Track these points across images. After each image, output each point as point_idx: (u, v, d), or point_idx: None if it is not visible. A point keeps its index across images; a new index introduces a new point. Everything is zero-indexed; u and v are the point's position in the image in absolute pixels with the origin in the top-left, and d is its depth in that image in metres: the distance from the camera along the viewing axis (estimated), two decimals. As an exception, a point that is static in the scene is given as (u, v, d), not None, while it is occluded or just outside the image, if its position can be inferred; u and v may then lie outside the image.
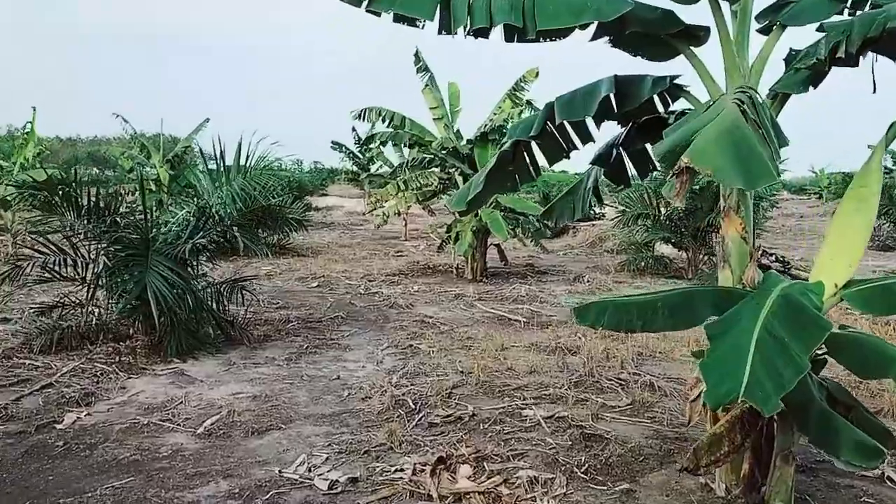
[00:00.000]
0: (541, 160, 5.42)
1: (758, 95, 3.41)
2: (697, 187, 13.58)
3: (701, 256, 14.06)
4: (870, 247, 21.19)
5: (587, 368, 6.79)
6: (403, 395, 6.13)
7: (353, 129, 30.30)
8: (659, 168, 5.72)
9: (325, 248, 19.36)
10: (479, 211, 13.20)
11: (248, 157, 8.48)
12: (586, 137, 5.13)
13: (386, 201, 24.35)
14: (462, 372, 6.86)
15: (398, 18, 4.26)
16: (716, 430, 3.98)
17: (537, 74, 13.75)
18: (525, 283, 13.13)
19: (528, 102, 13.70)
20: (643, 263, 14.40)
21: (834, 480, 4.57)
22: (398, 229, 25.41)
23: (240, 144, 8.48)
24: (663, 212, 14.11)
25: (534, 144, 5.27)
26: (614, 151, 5.09)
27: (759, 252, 13.18)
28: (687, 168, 2.74)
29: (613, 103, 4.66)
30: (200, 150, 8.38)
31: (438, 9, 4.10)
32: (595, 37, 4.38)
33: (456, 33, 4.13)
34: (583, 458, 4.72)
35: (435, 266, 15.30)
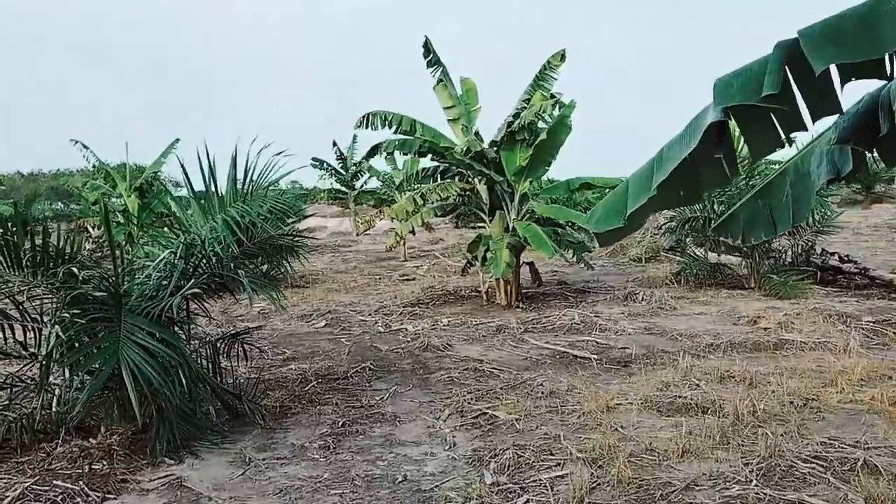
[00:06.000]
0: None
1: None
2: (759, 181, 11.74)
3: (765, 262, 12.19)
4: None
5: (769, 446, 4.79)
6: (520, 511, 4.11)
7: (335, 144, 28.30)
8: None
9: (319, 275, 17.20)
10: (514, 224, 11.23)
11: (246, 173, 6.41)
12: (826, 106, 3.16)
13: (381, 219, 22.47)
14: (585, 460, 4.82)
15: None
16: None
17: (563, 57, 11.78)
18: (570, 307, 11.15)
19: (553, 96, 11.73)
20: (699, 273, 12.50)
21: None
22: (381, 248, 23.35)
23: (234, 158, 6.41)
24: (718, 212, 12.20)
25: (732, 122, 3.31)
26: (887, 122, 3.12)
27: (821, 253, 11.11)
28: None
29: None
30: (184, 168, 6.27)
31: None
32: None
33: None
34: None
35: (456, 291, 13.26)
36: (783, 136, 3.27)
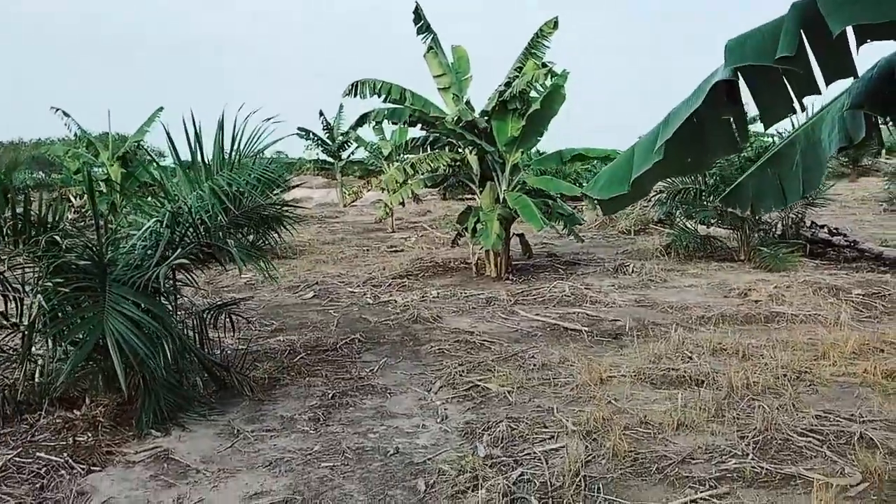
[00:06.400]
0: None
1: None
2: (752, 154, 11.67)
3: (755, 235, 12.16)
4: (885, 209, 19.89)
5: (764, 420, 4.76)
6: (514, 484, 4.05)
7: (321, 114, 27.96)
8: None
9: (306, 246, 16.97)
10: (505, 195, 11.10)
11: (234, 140, 6.24)
12: (841, 69, 3.05)
13: (368, 190, 22.25)
14: (579, 432, 4.77)
15: None
16: None
17: (556, 25, 11.55)
18: (560, 279, 11.08)
19: (545, 65, 11.53)
20: (689, 245, 12.45)
21: None
22: (368, 219, 23.18)
23: (221, 122, 6.22)
24: (709, 184, 12.11)
25: (743, 85, 3.20)
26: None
27: (810, 226, 11.09)
28: None
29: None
30: (169, 136, 6.09)
31: None
32: None
33: None
34: None
35: (445, 263, 13.15)
36: (795, 101, 3.17)
